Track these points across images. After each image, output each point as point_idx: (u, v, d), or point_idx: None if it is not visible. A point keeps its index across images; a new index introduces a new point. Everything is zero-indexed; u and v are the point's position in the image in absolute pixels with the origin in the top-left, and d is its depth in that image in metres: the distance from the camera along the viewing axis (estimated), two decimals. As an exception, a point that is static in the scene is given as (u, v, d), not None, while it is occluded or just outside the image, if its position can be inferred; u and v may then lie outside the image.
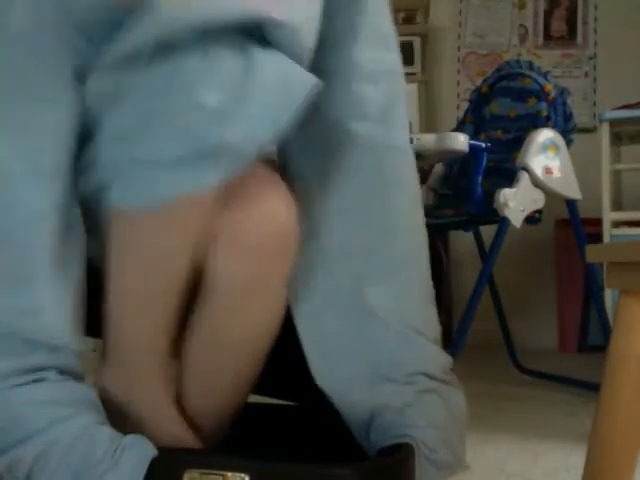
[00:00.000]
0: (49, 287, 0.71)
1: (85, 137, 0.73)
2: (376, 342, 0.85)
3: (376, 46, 0.81)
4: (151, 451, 0.70)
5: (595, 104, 3.16)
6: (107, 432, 0.72)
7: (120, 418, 0.77)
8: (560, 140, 1.92)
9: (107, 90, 0.68)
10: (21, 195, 0.70)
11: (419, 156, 1.97)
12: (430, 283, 0.91)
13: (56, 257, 0.71)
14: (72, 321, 0.74)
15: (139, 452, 0.70)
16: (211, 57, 0.65)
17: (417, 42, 3.14)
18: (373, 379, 0.85)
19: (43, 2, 0.69)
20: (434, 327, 0.91)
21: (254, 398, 0.94)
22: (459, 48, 3.33)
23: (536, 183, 1.85)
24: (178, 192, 0.67)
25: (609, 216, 2.19)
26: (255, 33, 0.68)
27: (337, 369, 0.86)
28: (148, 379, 0.80)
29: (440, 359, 0.90)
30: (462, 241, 2.90)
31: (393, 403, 0.84)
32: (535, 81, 2.09)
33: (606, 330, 2.00)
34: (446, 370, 0.90)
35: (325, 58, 0.76)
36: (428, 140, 1.86)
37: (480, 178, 1.92)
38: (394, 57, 0.86)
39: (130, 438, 0.71)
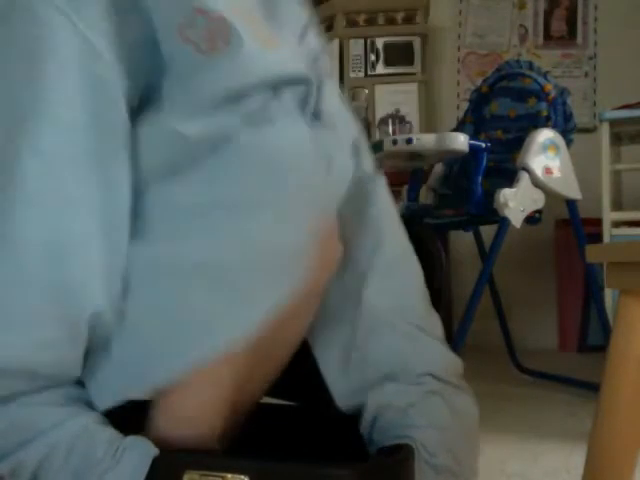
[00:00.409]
0: (68, 321, 0.68)
1: None
2: (378, 343, 0.86)
3: (336, 96, 0.86)
4: (152, 451, 0.70)
5: (595, 104, 3.16)
6: (107, 432, 0.71)
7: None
8: (560, 140, 1.92)
9: (203, 138, 0.64)
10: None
11: (419, 156, 1.97)
12: (424, 284, 0.91)
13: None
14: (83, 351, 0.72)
15: (140, 452, 0.69)
16: (286, 108, 0.67)
17: (417, 42, 3.15)
18: (376, 380, 0.85)
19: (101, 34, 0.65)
20: (437, 326, 0.91)
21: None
22: (459, 48, 3.33)
23: (536, 183, 1.85)
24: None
25: (609, 216, 2.19)
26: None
27: (341, 372, 0.86)
28: (207, 429, 0.76)
29: (447, 360, 0.90)
30: (462, 241, 2.90)
31: (396, 403, 0.84)
32: (535, 81, 2.09)
33: (606, 330, 2.00)
34: (455, 373, 0.89)
35: None
36: (428, 140, 1.87)
37: (480, 178, 1.92)
38: (346, 108, 0.91)
39: (131, 439, 0.71)
